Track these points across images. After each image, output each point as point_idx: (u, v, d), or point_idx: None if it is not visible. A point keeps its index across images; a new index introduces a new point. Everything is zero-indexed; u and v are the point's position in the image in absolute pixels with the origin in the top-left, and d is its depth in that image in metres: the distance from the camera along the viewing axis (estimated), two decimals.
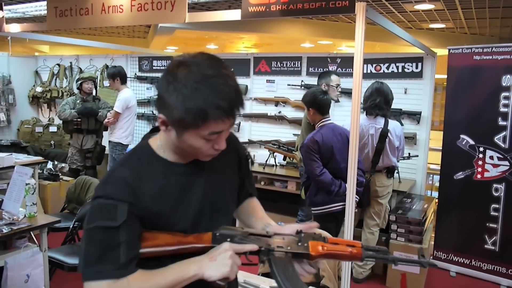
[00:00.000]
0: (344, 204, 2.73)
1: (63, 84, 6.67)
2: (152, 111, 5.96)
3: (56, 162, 5.49)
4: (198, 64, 1.02)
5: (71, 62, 6.62)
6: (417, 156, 4.37)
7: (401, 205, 3.95)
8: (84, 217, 3.14)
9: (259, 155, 4.86)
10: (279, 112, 5.06)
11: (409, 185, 4.28)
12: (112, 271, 1.00)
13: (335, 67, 4.79)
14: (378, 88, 3.60)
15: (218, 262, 1.05)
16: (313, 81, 4.71)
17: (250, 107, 5.26)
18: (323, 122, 3.25)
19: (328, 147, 3.15)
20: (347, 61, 4.71)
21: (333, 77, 3.84)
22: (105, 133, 5.46)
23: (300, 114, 4.73)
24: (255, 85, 5.24)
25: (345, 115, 4.38)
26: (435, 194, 4.73)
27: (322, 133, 3.18)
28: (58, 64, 6.68)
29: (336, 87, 3.85)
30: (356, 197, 2.78)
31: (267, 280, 2.07)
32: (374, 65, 4.61)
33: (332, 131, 3.22)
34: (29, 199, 2.69)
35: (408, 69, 4.47)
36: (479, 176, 3.81)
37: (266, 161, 4.66)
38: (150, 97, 5.93)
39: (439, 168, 4.13)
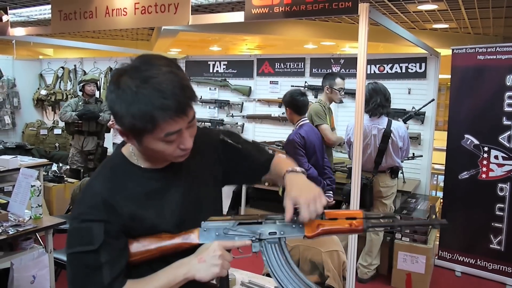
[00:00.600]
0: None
1: (68, 87, 6.70)
2: None
3: (61, 164, 5.51)
4: (137, 69, 0.99)
5: (75, 65, 6.65)
6: (421, 156, 4.36)
7: (406, 205, 3.94)
8: None
9: None
10: (283, 113, 5.05)
11: (414, 185, 4.27)
12: None
13: (339, 68, 4.80)
14: (374, 89, 3.59)
15: (208, 263, 1.05)
16: (317, 82, 4.72)
17: (253, 108, 5.27)
18: (302, 121, 3.35)
19: (312, 144, 3.28)
20: (350, 62, 4.71)
21: (338, 80, 3.84)
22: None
23: None
24: (259, 87, 5.25)
25: (349, 115, 4.38)
26: (440, 194, 4.73)
27: (306, 130, 3.29)
28: (63, 67, 6.72)
29: (340, 90, 3.85)
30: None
31: (271, 280, 2.07)
32: (377, 66, 4.61)
33: (312, 129, 3.37)
34: (34, 201, 2.70)
35: (411, 69, 4.46)
36: (484, 175, 3.80)
37: None
38: None
39: (444, 168, 4.13)
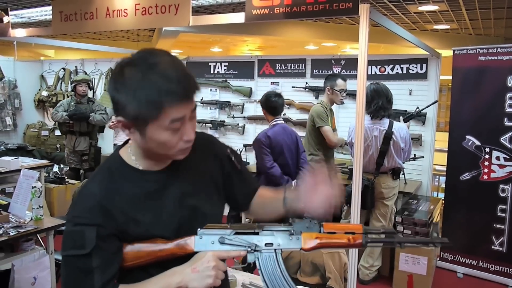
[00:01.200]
0: None
1: (69, 88, 6.70)
2: None
3: (62, 166, 5.52)
4: (140, 58, 1.01)
5: (76, 66, 6.65)
6: (422, 157, 4.35)
7: (407, 206, 3.94)
8: None
9: None
10: (284, 114, 5.05)
11: (415, 186, 4.26)
12: None
13: (339, 69, 4.79)
14: (376, 90, 3.56)
15: (201, 274, 1.04)
16: (318, 83, 4.73)
17: (254, 109, 5.27)
18: (275, 121, 3.50)
19: (279, 144, 3.39)
20: (351, 63, 4.70)
21: (339, 82, 3.84)
22: (102, 135, 5.51)
23: (305, 116, 4.73)
24: (260, 88, 5.24)
25: (350, 117, 4.38)
26: (441, 195, 4.71)
27: (274, 130, 3.44)
28: (64, 68, 6.72)
29: (341, 92, 3.84)
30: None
31: None
32: (378, 67, 4.61)
33: (283, 130, 3.48)
34: (35, 202, 2.70)
35: (412, 70, 4.46)
36: (485, 177, 3.79)
37: None
38: None
39: (445, 169, 4.11)
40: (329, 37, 6.85)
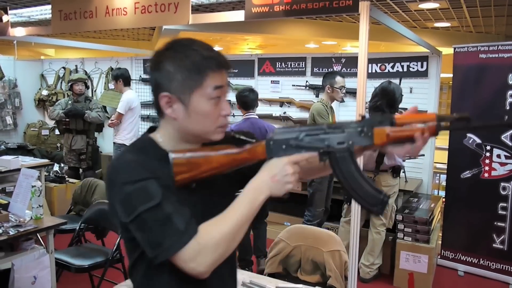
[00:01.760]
0: None
1: (68, 87, 6.70)
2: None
3: (62, 165, 5.52)
4: (179, 38, 1.12)
5: (76, 65, 6.65)
6: (423, 155, 4.34)
7: (408, 204, 3.93)
8: (90, 218, 3.14)
9: None
10: (284, 112, 5.05)
11: (416, 185, 4.26)
12: (179, 242, 0.99)
13: (340, 67, 4.78)
14: (384, 88, 3.56)
15: (281, 181, 1.05)
16: (318, 81, 4.71)
17: None
18: (247, 115, 3.64)
19: None
20: (352, 61, 4.69)
21: (338, 79, 3.83)
22: (109, 135, 5.51)
23: (305, 114, 4.72)
24: (260, 86, 5.23)
25: (350, 115, 4.37)
26: (442, 193, 4.70)
27: (239, 125, 3.59)
28: (64, 67, 6.72)
29: (341, 89, 3.83)
30: None
31: (273, 280, 2.06)
32: (379, 65, 4.60)
33: (251, 124, 3.57)
34: (35, 201, 2.70)
35: (413, 68, 4.45)
36: (486, 175, 3.79)
37: None
38: None
39: (446, 167, 4.11)
40: (329, 35, 6.83)
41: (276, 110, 5.12)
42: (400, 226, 3.65)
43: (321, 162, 1.10)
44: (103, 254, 3.02)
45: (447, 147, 4.05)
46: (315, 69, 4.94)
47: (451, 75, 4.01)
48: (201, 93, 1.07)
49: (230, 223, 1.03)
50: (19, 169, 3.68)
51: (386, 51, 6.02)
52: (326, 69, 4.78)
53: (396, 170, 3.66)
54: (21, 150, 5.70)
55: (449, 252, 4.01)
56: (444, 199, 4.17)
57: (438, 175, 5.23)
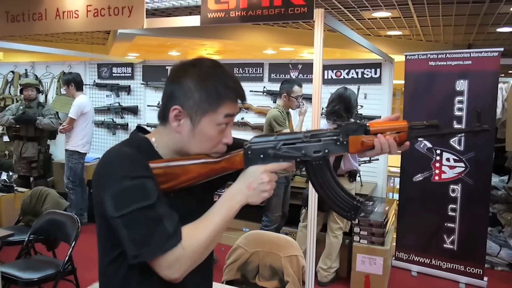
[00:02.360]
0: None
1: (18, 92, 6.41)
2: (112, 119, 5.82)
3: (10, 173, 5.26)
4: (206, 58, 1.13)
5: (26, 69, 6.39)
6: (377, 159, 4.45)
7: (363, 208, 4.01)
8: (41, 228, 3.00)
9: None
10: (242, 118, 5.05)
11: (371, 188, 4.36)
12: (166, 244, 1.00)
13: (297, 73, 4.84)
14: (340, 94, 3.63)
15: (257, 190, 1.07)
16: (275, 87, 4.75)
17: None
18: None
19: None
20: (308, 67, 4.76)
21: (295, 88, 3.87)
22: (62, 142, 5.31)
23: (263, 120, 4.74)
24: None
25: (307, 120, 4.41)
26: (396, 196, 4.84)
27: None
28: (13, 71, 6.43)
29: (297, 98, 3.87)
30: None
31: None
32: (334, 71, 4.69)
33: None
34: None
35: (367, 74, 4.56)
36: (437, 177, 3.93)
37: None
38: (110, 104, 5.80)
39: (399, 170, 4.23)
40: (286, 42, 6.92)
41: None
42: (356, 229, 3.72)
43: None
44: (54, 266, 2.90)
45: (400, 151, 4.15)
46: (272, 75, 4.97)
47: (403, 82, 4.14)
48: (212, 118, 1.09)
49: (207, 231, 1.05)
50: None
51: (342, 58, 6.15)
52: (283, 75, 4.82)
53: (352, 175, 3.73)
54: None
55: (403, 254, 4.13)
56: (398, 202, 4.29)
57: (392, 178, 5.38)
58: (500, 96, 4.86)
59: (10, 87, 6.47)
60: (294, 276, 2.32)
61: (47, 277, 2.79)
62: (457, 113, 3.81)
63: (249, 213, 4.41)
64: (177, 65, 1.13)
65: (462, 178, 3.81)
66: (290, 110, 4.04)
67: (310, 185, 2.70)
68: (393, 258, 4.15)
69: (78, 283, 2.99)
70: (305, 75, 4.77)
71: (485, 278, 3.77)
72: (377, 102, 4.49)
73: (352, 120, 3.74)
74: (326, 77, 4.65)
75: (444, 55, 3.90)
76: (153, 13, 5.35)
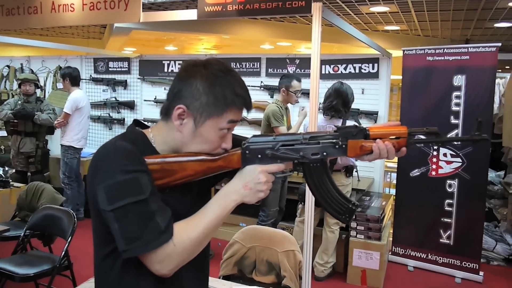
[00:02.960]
0: None
1: (14, 86, 6.38)
2: (109, 114, 5.80)
3: (6, 168, 5.24)
4: (216, 61, 1.11)
5: (21, 64, 6.34)
6: None
7: (360, 203, 4.02)
8: (37, 224, 2.99)
9: None
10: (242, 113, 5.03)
11: (368, 183, 4.36)
12: (157, 240, 1.00)
13: (294, 68, 4.82)
14: (337, 89, 3.62)
15: (253, 190, 1.08)
16: (273, 82, 4.73)
17: None
18: None
19: None
20: (305, 62, 4.75)
21: (294, 83, 3.85)
22: (52, 137, 5.31)
23: (260, 115, 4.73)
24: None
25: None
26: (393, 191, 4.85)
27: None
28: (8, 66, 6.39)
29: (295, 93, 3.86)
30: None
31: (227, 283, 2.04)
32: (332, 66, 4.67)
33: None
34: None
35: (365, 69, 4.55)
36: (433, 173, 3.93)
37: None
38: (107, 99, 5.77)
39: (396, 166, 4.24)
40: (284, 37, 6.89)
41: None
42: (353, 224, 3.72)
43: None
44: (50, 262, 2.88)
45: None
46: (269, 69, 4.96)
47: (401, 77, 4.13)
48: (216, 122, 1.09)
49: (199, 228, 1.05)
50: None
51: (339, 52, 6.14)
52: (280, 70, 4.80)
53: (349, 170, 3.72)
54: None
55: (399, 248, 4.14)
56: (394, 197, 4.30)
57: (389, 173, 5.39)
58: (497, 91, 4.87)
59: (5, 82, 6.43)
60: (291, 271, 2.32)
61: (43, 273, 2.78)
62: (454, 108, 3.81)
63: (246, 208, 4.40)
64: (189, 64, 1.12)
65: (459, 173, 3.81)
66: (289, 105, 4.03)
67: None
68: (390, 253, 4.16)
69: (74, 278, 2.98)
70: (302, 70, 4.75)
71: (481, 273, 3.79)
72: (374, 97, 4.48)
73: (350, 120, 3.74)
74: (323, 72, 4.64)
75: (442, 50, 3.89)
76: (149, 7, 5.32)
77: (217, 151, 1.13)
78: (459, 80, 3.78)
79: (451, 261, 3.89)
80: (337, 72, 4.65)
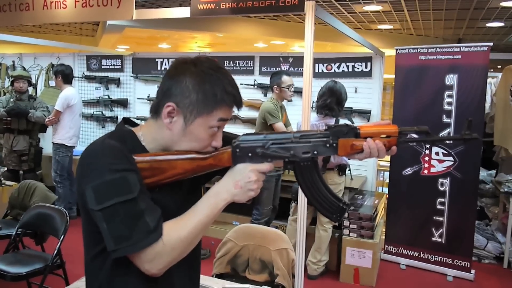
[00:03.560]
0: None
1: (5, 84, 6.33)
2: (102, 112, 5.77)
3: None
4: (206, 59, 1.11)
5: (13, 61, 6.29)
6: None
7: (353, 201, 4.03)
8: (29, 222, 2.97)
9: None
10: (233, 111, 5.02)
11: (361, 182, 4.38)
12: (146, 239, 0.99)
13: (288, 66, 4.82)
14: (331, 88, 3.63)
15: (244, 188, 1.07)
16: (266, 80, 4.73)
17: None
18: None
19: None
20: (299, 60, 4.75)
21: (284, 78, 3.85)
22: (44, 135, 5.27)
23: (253, 114, 4.73)
24: None
25: (298, 114, 4.40)
26: (386, 190, 4.87)
27: None
28: (0, 63, 6.33)
29: (288, 87, 3.86)
30: None
31: (220, 281, 2.04)
32: (325, 65, 4.68)
33: None
34: None
35: (358, 68, 4.56)
36: (426, 171, 3.95)
37: None
38: (99, 97, 5.74)
39: (389, 164, 4.26)
40: (277, 35, 6.89)
41: None
42: (346, 222, 3.73)
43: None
44: (43, 260, 2.87)
45: None
46: (263, 68, 4.96)
47: (393, 76, 4.15)
48: (206, 120, 1.08)
49: (189, 227, 1.04)
50: None
51: (332, 51, 6.15)
52: (274, 68, 4.81)
53: (342, 168, 3.73)
54: None
55: (392, 247, 4.16)
56: (387, 196, 4.32)
57: (382, 172, 5.41)
58: (489, 91, 4.90)
59: None
60: (284, 269, 2.33)
61: (35, 272, 2.76)
62: (446, 107, 3.83)
63: (239, 207, 4.40)
64: (178, 62, 1.11)
65: (451, 172, 3.84)
66: (284, 102, 4.03)
67: None
68: (382, 251, 4.18)
69: (67, 277, 2.96)
70: (296, 69, 4.75)
71: (472, 271, 3.82)
72: (367, 96, 4.50)
73: (343, 119, 3.75)
74: (317, 71, 4.65)
75: (434, 49, 3.91)
76: (143, 4, 5.30)
77: (207, 149, 1.12)
78: (451, 79, 3.81)
79: (443, 259, 3.92)
80: (330, 71, 4.66)
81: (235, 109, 1.13)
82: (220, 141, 1.13)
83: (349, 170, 4.11)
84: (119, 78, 5.65)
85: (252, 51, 7.66)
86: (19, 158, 5.00)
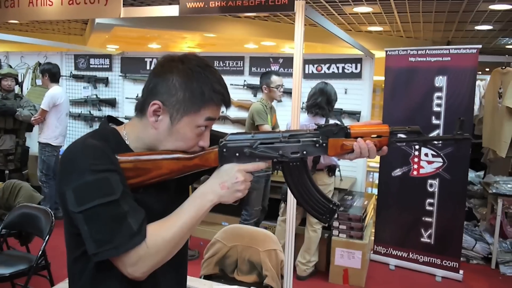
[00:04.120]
0: None
1: None
2: (90, 111, 5.70)
3: None
4: (195, 57, 1.08)
5: (0, 59, 6.19)
6: None
7: (343, 202, 4.03)
8: (13, 222, 2.92)
9: None
10: (222, 112, 4.98)
11: (350, 183, 4.37)
12: (128, 242, 0.95)
13: (278, 67, 4.81)
14: (321, 89, 3.66)
15: (231, 189, 1.05)
16: (256, 80, 4.70)
17: None
18: None
19: None
20: (289, 61, 4.70)
21: (274, 78, 3.84)
22: (30, 134, 5.19)
23: (243, 114, 4.71)
24: None
25: (287, 114, 4.39)
26: (375, 191, 4.88)
27: None
28: None
29: (277, 87, 3.85)
30: None
31: (207, 283, 2.01)
32: (315, 66, 4.68)
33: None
34: None
35: (348, 70, 4.57)
36: (415, 172, 3.96)
37: None
38: (87, 96, 5.67)
39: (379, 165, 4.26)
40: (268, 36, 6.87)
41: None
42: (335, 223, 3.73)
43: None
44: (27, 261, 2.82)
45: None
46: (253, 68, 4.94)
47: (383, 78, 4.16)
48: (193, 119, 1.05)
49: (173, 229, 1.00)
50: None
51: (323, 52, 6.16)
52: (264, 69, 4.79)
53: (331, 169, 3.73)
54: None
55: (381, 247, 4.17)
56: (376, 197, 4.32)
57: (371, 173, 5.42)
58: (477, 93, 4.93)
59: None
60: (272, 270, 2.31)
61: (19, 273, 2.71)
62: (435, 108, 3.84)
63: (228, 207, 4.38)
64: (165, 59, 1.08)
65: (440, 173, 3.85)
66: (274, 103, 4.02)
67: None
68: (372, 252, 4.18)
69: (52, 278, 2.91)
70: (286, 69, 4.74)
71: (461, 271, 3.83)
72: (357, 97, 4.50)
73: (333, 119, 3.75)
74: (307, 72, 4.65)
75: (424, 51, 3.93)
76: (131, 3, 5.25)
77: (194, 149, 1.09)
78: (440, 81, 3.82)
79: (432, 260, 3.93)
80: (321, 72, 4.66)
81: (224, 109, 1.11)
82: (207, 141, 1.10)
83: (339, 171, 4.11)
84: (107, 78, 5.60)
85: (242, 51, 7.64)
86: (5, 157, 4.92)
